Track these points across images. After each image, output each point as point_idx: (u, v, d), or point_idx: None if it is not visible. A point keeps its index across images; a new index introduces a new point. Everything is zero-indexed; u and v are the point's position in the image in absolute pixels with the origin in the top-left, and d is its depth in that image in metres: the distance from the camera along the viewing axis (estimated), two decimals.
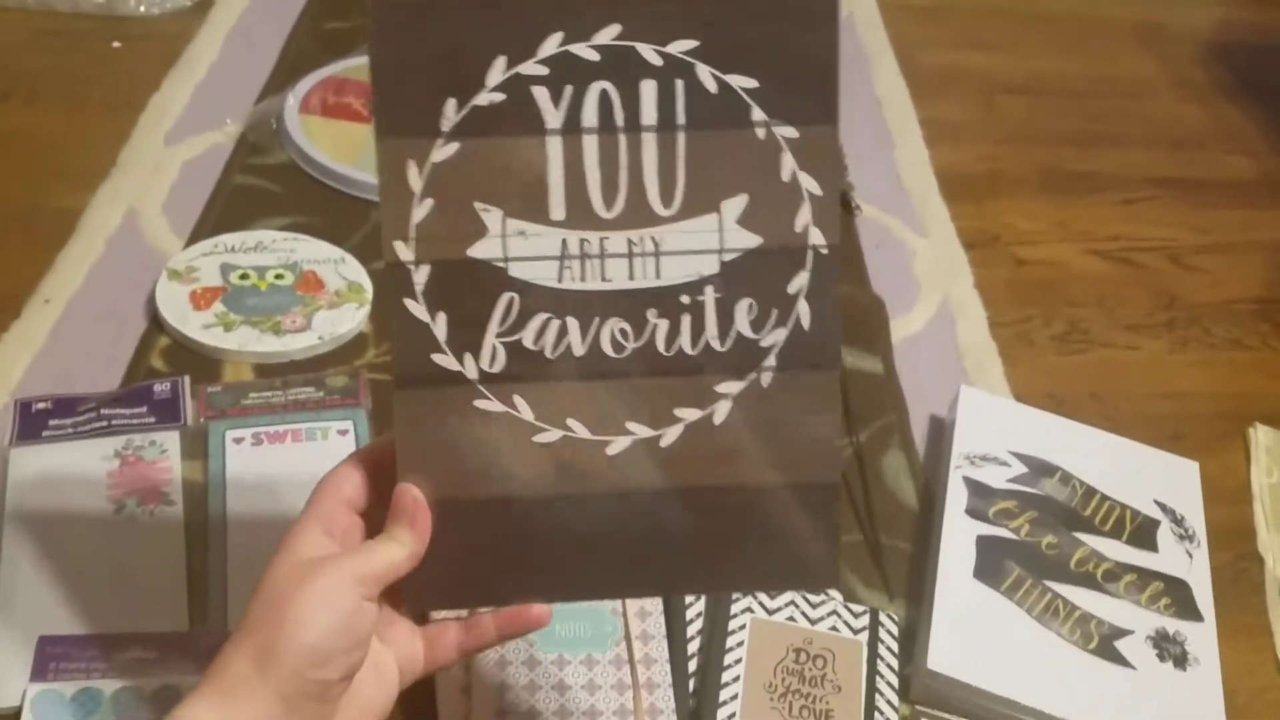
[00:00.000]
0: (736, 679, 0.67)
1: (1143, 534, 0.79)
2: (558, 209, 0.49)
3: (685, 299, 0.50)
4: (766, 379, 0.51)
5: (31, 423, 0.77)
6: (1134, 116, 1.35)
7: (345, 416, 0.80)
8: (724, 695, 0.66)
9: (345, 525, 0.50)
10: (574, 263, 0.50)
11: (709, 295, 0.50)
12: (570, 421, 0.50)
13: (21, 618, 0.66)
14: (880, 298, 1.00)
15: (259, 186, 1.02)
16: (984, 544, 0.76)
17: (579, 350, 0.50)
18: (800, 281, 0.51)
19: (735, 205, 0.50)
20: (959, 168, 1.21)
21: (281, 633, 0.46)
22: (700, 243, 0.50)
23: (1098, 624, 0.73)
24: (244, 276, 0.90)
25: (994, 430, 0.84)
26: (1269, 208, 1.23)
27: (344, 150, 1.04)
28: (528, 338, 0.50)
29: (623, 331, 0.50)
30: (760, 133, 0.50)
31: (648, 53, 0.49)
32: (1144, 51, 1.46)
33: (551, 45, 0.48)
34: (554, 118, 0.49)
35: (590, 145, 0.49)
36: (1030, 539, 0.77)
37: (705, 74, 0.49)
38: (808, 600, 0.71)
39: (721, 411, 0.51)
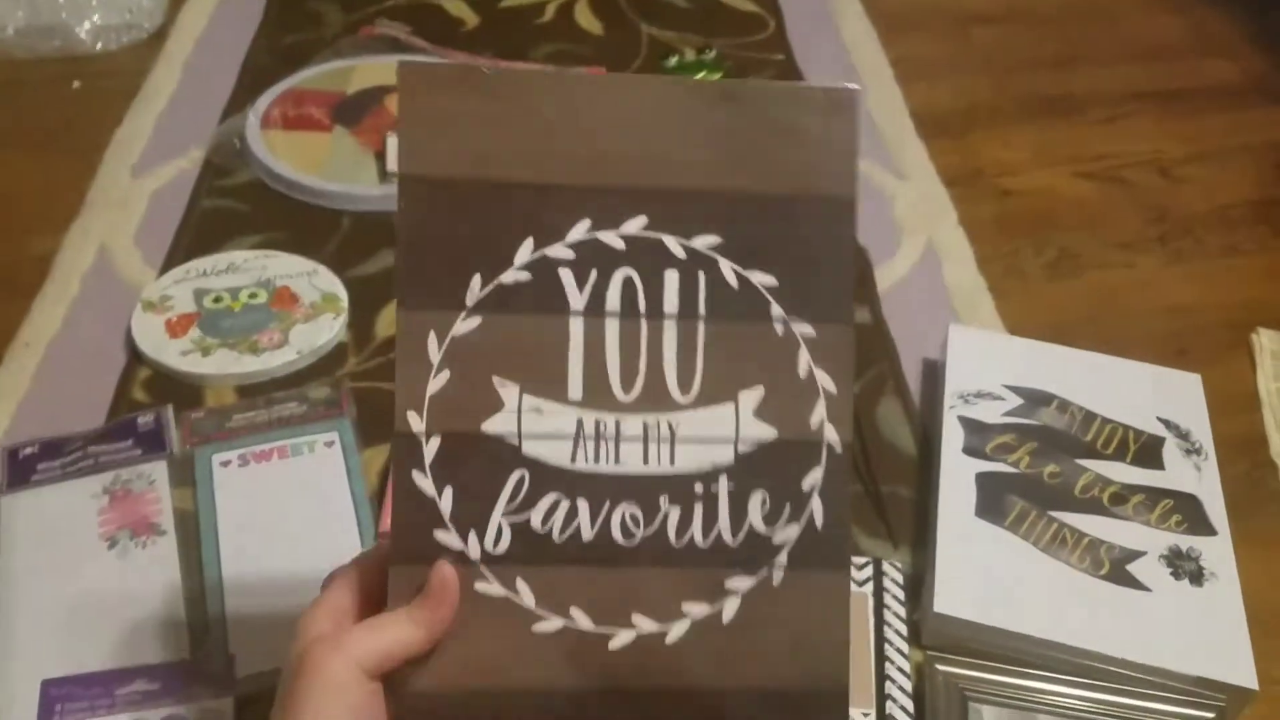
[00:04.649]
0: None
1: (1147, 453, 0.77)
2: (575, 389, 0.49)
3: (699, 488, 0.49)
4: (778, 577, 0.49)
5: (20, 469, 0.77)
6: (1110, 33, 1.32)
7: (330, 428, 0.79)
8: None
9: (357, 610, 0.49)
10: (588, 443, 0.49)
11: (723, 485, 0.49)
12: (573, 610, 0.49)
13: (23, 662, 0.66)
14: (861, 245, 0.98)
15: (227, 208, 1.01)
16: (984, 480, 0.74)
17: (587, 534, 0.49)
18: (814, 478, 0.50)
19: (752, 397, 0.50)
20: (935, 105, 1.19)
21: None
22: (716, 431, 0.49)
23: (1108, 549, 0.71)
24: (217, 299, 0.89)
25: (986, 366, 0.82)
26: (1255, 108, 1.20)
27: (308, 161, 1.03)
28: (536, 519, 0.49)
29: (634, 517, 0.49)
30: (779, 328, 0.49)
31: (673, 245, 0.49)
32: None
33: (580, 231, 0.49)
34: (578, 299, 0.49)
35: (612, 328, 0.49)
36: (1031, 470, 0.75)
37: (727, 268, 0.49)
38: None
39: (730, 608, 0.49)
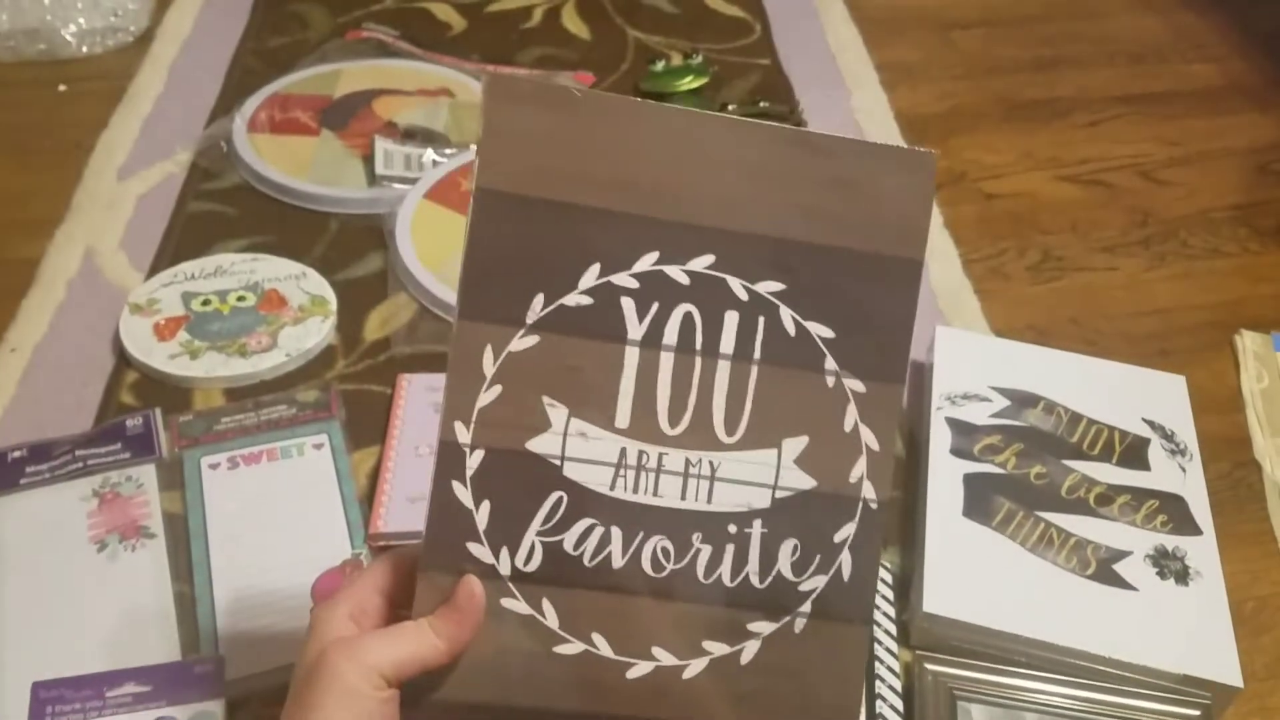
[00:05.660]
0: None
1: (1133, 454, 0.78)
2: (623, 417, 0.49)
3: (732, 528, 0.50)
4: (800, 624, 0.50)
5: (8, 472, 0.77)
6: (1093, 36, 1.33)
7: (319, 430, 0.79)
8: None
9: (376, 612, 0.49)
10: (629, 473, 0.49)
11: (756, 529, 0.50)
12: (595, 636, 0.49)
13: (13, 665, 0.66)
14: None
15: (214, 211, 1.01)
16: (971, 481, 0.75)
17: (618, 562, 0.49)
18: (847, 531, 0.50)
19: (795, 445, 0.50)
20: (919, 108, 1.20)
21: None
22: (756, 475, 0.50)
23: (1094, 549, 0.72)
24: (205, 303, 0.89)
25: (972, 367, 0.83)
26: (1237, 112, 1.21)
27: (295, 165, 1.03)
28: (569, 541, 0.49)
29: (665, 551, 0.49)
30: (830, 380, 0.50)
31: (736, 286, 0.49)
32: None
33: (646, 262, 0.49)
34: (636, 330, 0.49)
35: (666, 362, 0.49)
36: (1018, 471, 0.76)
37: (787, 316, 0.50)
38: None
39: (750, 651, 0.50)
